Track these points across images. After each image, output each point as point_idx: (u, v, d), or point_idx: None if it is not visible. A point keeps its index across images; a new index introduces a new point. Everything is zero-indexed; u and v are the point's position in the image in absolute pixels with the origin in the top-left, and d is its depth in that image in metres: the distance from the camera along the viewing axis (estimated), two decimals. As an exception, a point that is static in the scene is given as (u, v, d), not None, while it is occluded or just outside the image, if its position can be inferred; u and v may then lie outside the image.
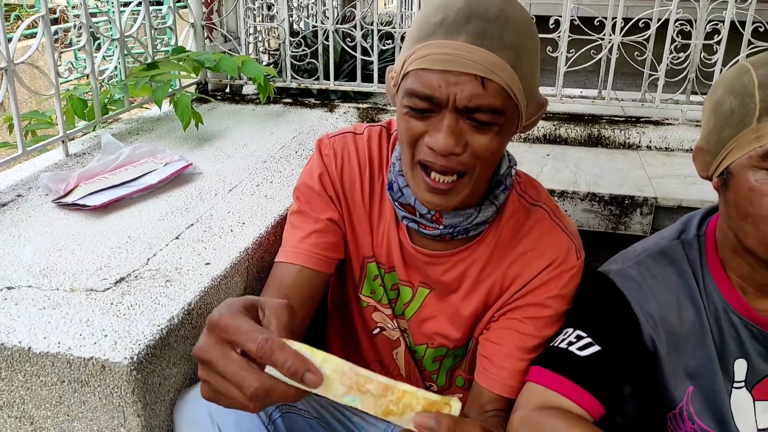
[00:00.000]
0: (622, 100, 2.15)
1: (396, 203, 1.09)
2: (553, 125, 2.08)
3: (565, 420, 0.96)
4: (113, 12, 1.88)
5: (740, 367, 1.04)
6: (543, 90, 2.36)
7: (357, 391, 0.64)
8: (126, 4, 2.08)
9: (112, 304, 1.00)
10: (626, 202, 1.67)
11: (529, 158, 1.95)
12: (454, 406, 0.65)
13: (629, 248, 1.15)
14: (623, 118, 2.13)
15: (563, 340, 1.07)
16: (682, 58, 2.05)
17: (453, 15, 0.89)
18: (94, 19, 1.81)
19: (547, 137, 2.07)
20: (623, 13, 2.01)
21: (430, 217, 1.06)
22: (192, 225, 1.30)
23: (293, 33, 2.39)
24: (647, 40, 2.06)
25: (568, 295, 1.11)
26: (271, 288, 1.09)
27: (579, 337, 1.05)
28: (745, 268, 1.01)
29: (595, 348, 1.03)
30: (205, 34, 2.37)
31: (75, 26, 2.22)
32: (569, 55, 2.11)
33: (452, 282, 1.14)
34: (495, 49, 0.87)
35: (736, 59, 1.98)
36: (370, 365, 1.29)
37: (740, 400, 1.05)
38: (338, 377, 0.64)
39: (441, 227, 1.06)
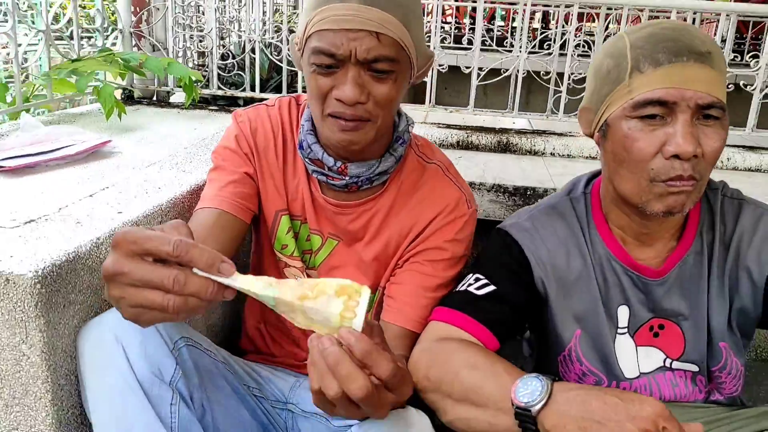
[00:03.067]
0: (528, 112, 2.33)
1: (306, 159, 1.19)
2: (466, 133, 2.21)
3: (462, 344, 1.04)
4: (40, 4, 1.92)
5: (623, 314, 1.14)
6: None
7: (275, 285, 0.71)
8: None
9: (20, 237, 1.02)
10: (528, 192, 1.79)
11: (442, 160, 2.06)
12: (364, 292, 0.73)
13: (524, 207, 1.25)
14: (530, 131, 2.29)
15: (464, 283, 1.15)
16: (582, 77, 2.23)
17: None
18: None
19: (460, 144, 2.20)
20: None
21: (336, 169, 1.15)
22: (107, 188, 1.33)
23: (222, 46, 2.47)
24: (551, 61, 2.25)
25: (464, 240, 1.22)
26: None
27: (477, 279, 1.14)
28: (624, 219, 1.12)
29: (491, 288, 1.12)
30: (133, 42, 2.42)
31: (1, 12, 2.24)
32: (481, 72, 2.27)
33: (358, 231, 1.23)
34: (385, 8, 1.01)
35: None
36: (285, 322, 1.33)
37: (624, 345, 1.14)
38: (256, 279, 0.70)
39: (347, 178, 1.16)
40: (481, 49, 2.24)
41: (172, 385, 0.96)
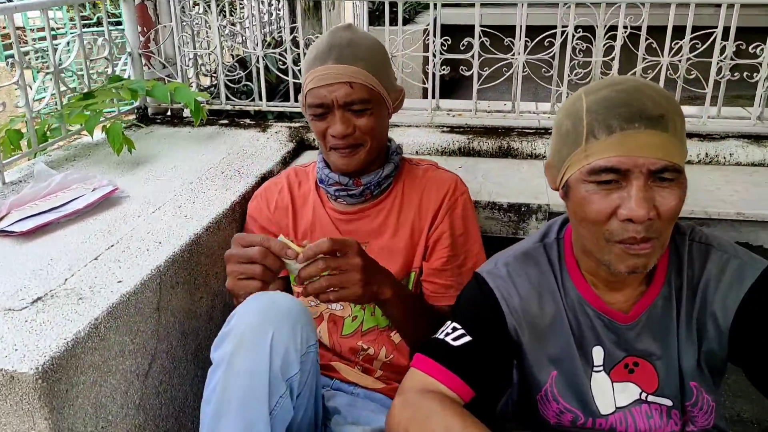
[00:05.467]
0: (531, 112, 2.33)
1: (328, 187, 1.51)
2: (467, 138, 2.24)
3: (440, 403, 1.11)
4: (47, 46, 2.00)
5: (598, 353, 1.19)
6: (462, 104, 2.53)
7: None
8: (60, 35, 2.19)
9: (26, 321, 1.13)
10: (523, 209, 1.83)
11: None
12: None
13: (503, 251, 1.31)
14: (533, 130, 2.30)
15: (443, 331, 1.22)
16: (582, 74, 2.22)
17: (321, 49, 1.40)
18: (35, 47, 1.92)
19: (462, 150, 2.23)
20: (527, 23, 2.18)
21: (352, 183, 1.48)
22: (112, 246, 1.43)
23: (234, 57, 2.52)
24: (553, 57, 2.23)
25: (472, 214, 1.51)
26: None
27: (454, 329, 1.21)
28: (592, 267, 1.16)
29: (467, 338, 1.19)
30: (143, 62, 2.49)
31: (8, 63, 2.34)
32: (482, 72, 2.27)
33: (380, 227, 1.51)
34: (353, 62, 1.37)
35: (633, 70, 2.16)
36: None
37: (600, 382, 1.20)
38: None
39: (363, 186, 1.48)
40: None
41: (287, 381, 1.14)
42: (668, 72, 2.19)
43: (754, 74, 2.16)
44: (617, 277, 1.14)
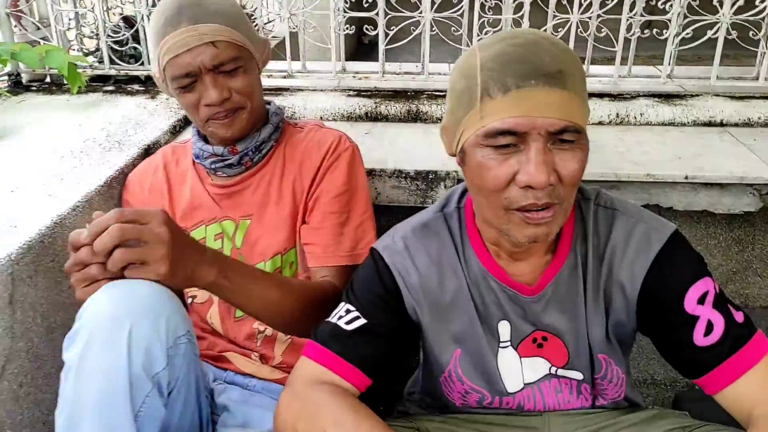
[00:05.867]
0: (442, 74, 2.22)
1: (204, 161, 1.39)
2: (375, 103, 2.11)
3: (331, 395, 1.02)
4: None
5: (504, 328, 1.12)
6: (370, 66, 2.40)
7: None
8: None
9: None
10: (431, 176, 1.73)
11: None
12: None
13: (401, 223, 1.20)
14: (444, 93, 2.19)
15: (336, 314, 1.12)
16: (492, 33, 2.12)
17: (169, 12, 1.24)
18: None
19: (369, 115, 2.10)
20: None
21: (228, 152, 1.35)
22: (-43, 232, 1.23)
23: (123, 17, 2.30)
24: (462, 15, 2.12)
25: (357, 171, 1.40)
26: None
27: (348, 311, 1.11)
28: (494, 236, 1.07)
29: (361, 321, 1.09)
30: (13, 23, 2.23)
31: None
32: (389, 32, 2.14)
33: (263, 196, 1.39)
34: (210, 20, 1.24)
35: (544, 27, 2.08)
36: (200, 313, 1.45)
37: (507, 358, 1.13)
38: None
39: (240, 153, 1.35)
40: None
41: (153, 378, 0.99)
42: (579, 30, 2.13)
43: (664, 31, 2.12)
44: (520, 247, 1.06)
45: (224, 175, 1.40)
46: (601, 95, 2.18)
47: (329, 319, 1.12)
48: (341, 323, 1.10)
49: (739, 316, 1.03)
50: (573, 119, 0.91)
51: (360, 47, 5.70)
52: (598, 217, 1.10)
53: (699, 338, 1.02)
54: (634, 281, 1.07)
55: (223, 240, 1.40)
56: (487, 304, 1.11)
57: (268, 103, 1.45)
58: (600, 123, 2.08)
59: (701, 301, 1.03)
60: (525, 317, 1.11)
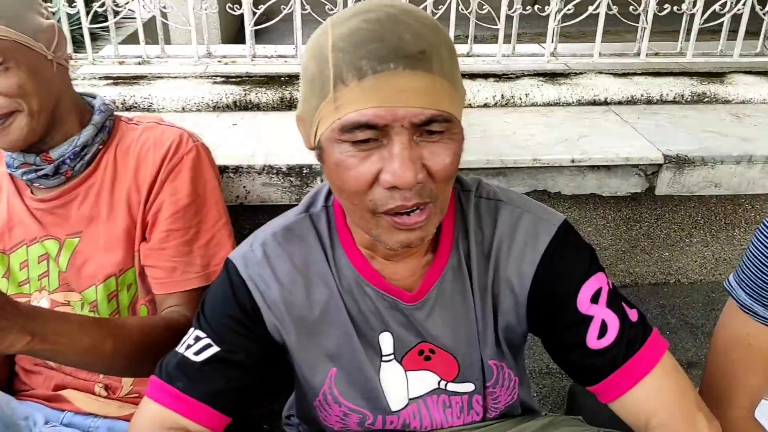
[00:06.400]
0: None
1: (15, 171, 1.17)
2: (244, 90, 1.92)
3: None
4: None
5: (386, 341, 0.99)
6: (235, 50, 2.21)
7: None
8: None
9: None
10: (305, 171, 1.57)
11: (214, 129, 1.77)
12: None
13: (263, 227, 1.04)
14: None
15: (184, 342, 0.96)
16: None
17: None
18: None
19: (237, 104, 1.91)
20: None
21: (39, 160, 1.15)
22: None
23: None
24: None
25: (203, 175, 1.21)
26: None
27: (197, 339, 0.96)
28: (366, 239, 0.93)
29: (213, 349, 0.94)
30: None
31: None
32: (256, 10, 1.95)
33: (92, 209, 1.19)
34: None
35: (423, 5, 1.96)
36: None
37: (391, 373, 1.01)
38: None
39: (55, 161, 1.15)
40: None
41: None
42: (459, 7, 2.02)
43: (546, 7, 2.05)
44: (395, 251, 0.92)
45: (43, 187, 1.19)
46: (485, 76, 2.09)
47: (177, 349, 0.96)
48: (189, 354, 0.94)
49: (633, 315, 0.96)
50: (441, 107, 0.78)
51: (242, 32, 5.42)
52: (481, 210, 0.99)
53: (592, 341, 0.94)
54: (523, 278, 0.97)
55: (49, 262, 1.20)
56: (365, 314, 0.98)
57: (93, 96, 1.25)
58: (485, 105, 1.99)
59: (595, 299, 0.95)
60: (408, 327, 0.99)
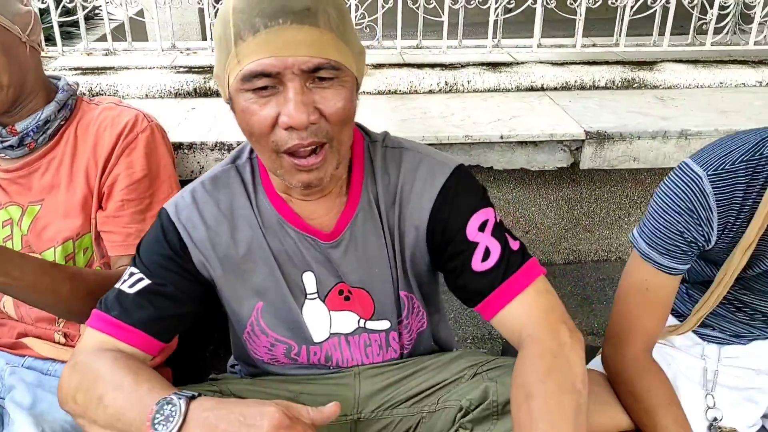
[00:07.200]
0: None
1: None
2: (204, 78, 2.06)
3: (112, 362, 0.98)
4: None
5: (309, 280, 1.11)
6: (200, 43, 2.33)
7: None
8: None
9: None
10: (254, 147, 1.70)
11: (174, 113, 1.91)
12: None
13: (197, 179, 1.17)
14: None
15: (121, 280, 1.08)
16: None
17: None
18: None
19: (198, 91, 2.05)
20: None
21: (5, 132, 1.25)
22: None
23: None
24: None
25: (156, 152, 1.33)
26: None
27: (131, 275, 1.07)
28: (282, 182, 1.05)
29: (145, 282, 1.05)
30: None
31: None
32: None
33: (53, 180, 1.29)
34: None
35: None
36: None
37: (314, 310, 1.12)
38: None
39: (20, 133, 1.25)
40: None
41: None
42: (409, 1, 2.16)
43: (486, 3, 2.20)
44: (308, 190, 1.05)
45: (8, 157, 1.29)
46: (432, 65, 2.23)
47: (116, 285, 1.08)
48: (124, 287, 1.05)
49: (515, 245, 1.08)
50: (328, 56, 0.90)
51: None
52: (387, 157, 1.11)
53: (477, 264, 1.06)
54: (422, 213, 1.09)
55: (12, 227, 1.31)
56: (288, 253, 1.10)
57: (59, 78, 1.35)
58: (431, 91, 2.14)
59: (481, 228, 1.07)
60: (327, 266, 1.10)
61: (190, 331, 1.14)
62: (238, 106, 0.95)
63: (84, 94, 1.98)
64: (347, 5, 2.12)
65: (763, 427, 1.33)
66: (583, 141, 1.83)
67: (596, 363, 1.37)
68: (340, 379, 1.17)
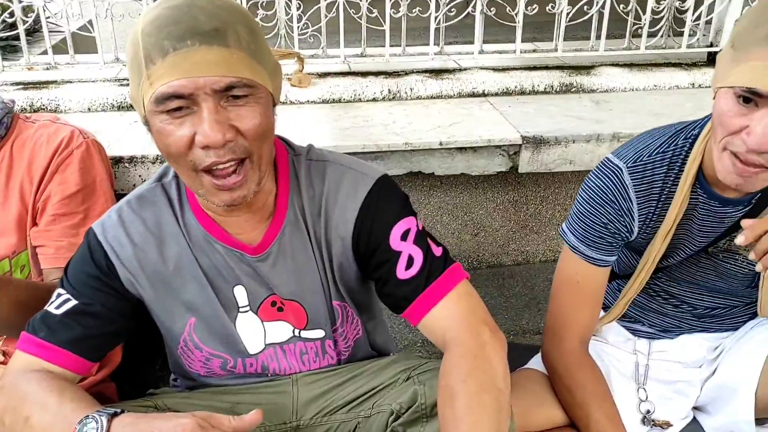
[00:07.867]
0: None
1: None
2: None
3: (37, 382, 0.98)
4: None
5: (240, 293, 1.12)
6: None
7: None
8: None
9: None
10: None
11: (116, 126, 1.91)
12: None
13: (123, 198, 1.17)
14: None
15: (50, 302, 1.08)
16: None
17: None
18: None
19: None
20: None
21: None
22: None
23: None
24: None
25: (91, 167, 1.35)
26: None
27: (59, 296, 1.07)
28: (204, 201, 1.06)
29: (72, 303, 1.06)
30: None
31: None
32: None
33: None
34: None
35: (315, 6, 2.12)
36: None
37: (247, 322, 1.14)
38: None
39: None
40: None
41: None
42: (352, 10, 2.19)
43: (427, 11, 2.23)
44: (232, 208, 1.06)
45: None
46: (376, 73, 2.26)
47: (45, 307, 1.08)
48: (51, 308, 1.06)
49: (437, 251, 1.11)
50: (239, 74, 0.92)
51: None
52: (311, 170, 1.13)
53: (401, 272, 1.09)
54: (347, 225, 1.11)
55: None
56: (218, 268, 1.11)
57: None
58: (374, 99, 2.17)
59: (404, 237, 1.10)
60: (257, 279, 1.12)
61: (137, 345, 1.16)
62: (154, 127, 0.95)
63: (24, 110, 1.96)
64: (288, 15, 2.14)
65: (694, 418, 1.38)
66: (520, 146, 1.88)
67: (537, 361, 1.41)
68: (278, 387, 1.18)
